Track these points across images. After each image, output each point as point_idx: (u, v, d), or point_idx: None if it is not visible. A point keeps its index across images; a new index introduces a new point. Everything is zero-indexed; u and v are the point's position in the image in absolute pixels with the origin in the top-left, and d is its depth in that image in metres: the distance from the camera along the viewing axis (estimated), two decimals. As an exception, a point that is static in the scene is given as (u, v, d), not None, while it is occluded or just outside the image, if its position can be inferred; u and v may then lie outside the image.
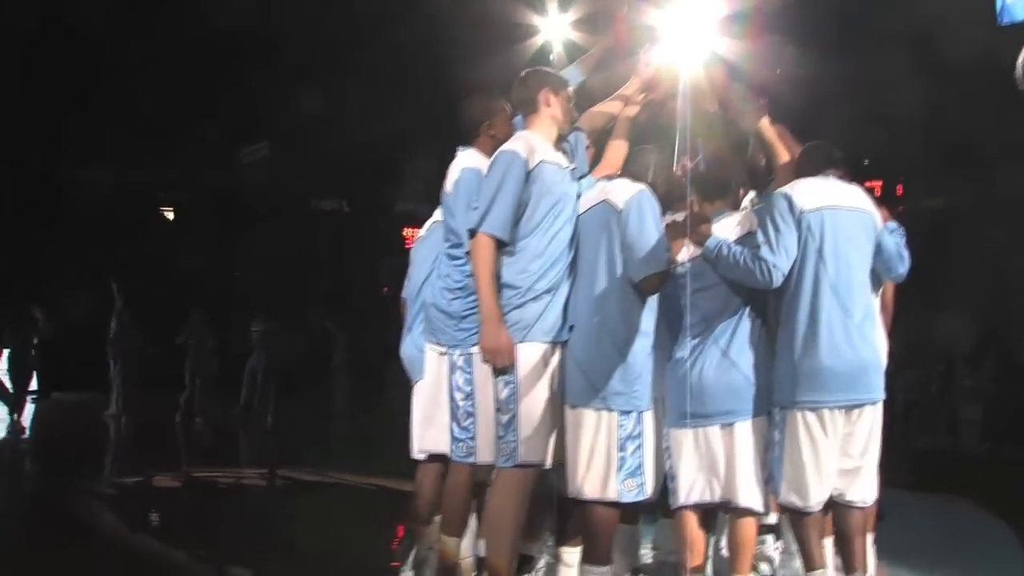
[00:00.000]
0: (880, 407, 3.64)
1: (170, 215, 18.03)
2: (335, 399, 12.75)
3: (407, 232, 18.11)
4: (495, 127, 3.91)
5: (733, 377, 3.61)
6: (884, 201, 4.04)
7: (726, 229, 3.71)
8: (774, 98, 4.10)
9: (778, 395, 3.61)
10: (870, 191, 4.09)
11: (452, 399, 3.77)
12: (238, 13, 11.14)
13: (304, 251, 15.92)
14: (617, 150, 3.99)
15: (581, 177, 3.88)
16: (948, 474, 8.72)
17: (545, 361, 3.56)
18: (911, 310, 4.48)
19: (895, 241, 3.70)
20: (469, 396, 3.73)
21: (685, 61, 4.14)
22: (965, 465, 9.53)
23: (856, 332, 3.58)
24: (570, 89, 3.85)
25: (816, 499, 3.56)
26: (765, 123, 3.99)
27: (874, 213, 3.76)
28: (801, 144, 4.02)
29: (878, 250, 3.69)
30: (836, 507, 3.65)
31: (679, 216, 3.72)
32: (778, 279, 3.56)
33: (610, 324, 3.57)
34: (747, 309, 3.68)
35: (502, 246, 3.56)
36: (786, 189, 3.70)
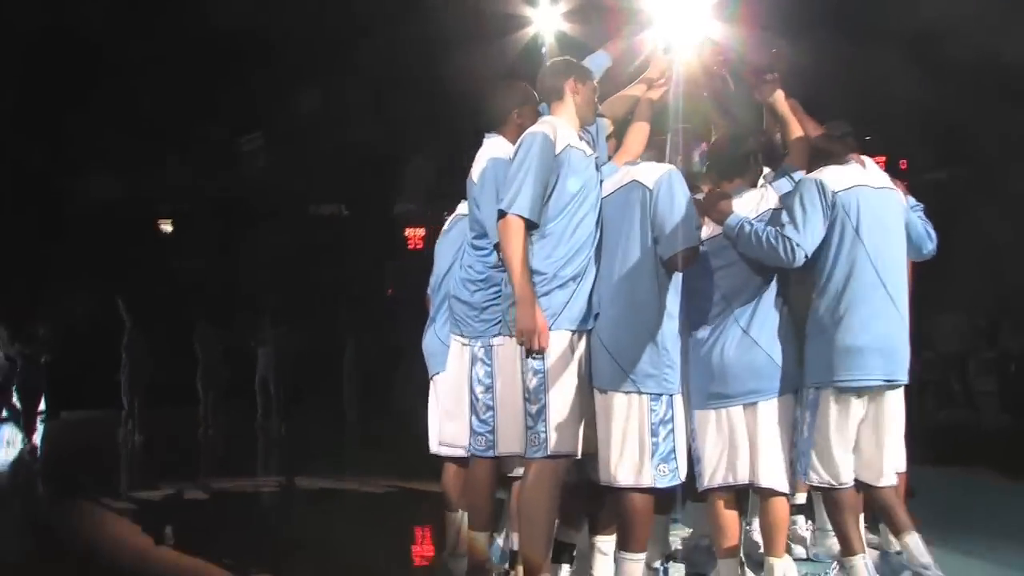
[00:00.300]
0: (902, 391, 3.72)
1: (169, 223, 18.03)
2: (345, 403, 12.78)
3: (409, 232, 18.28)
4: (524, 115, 3.93)
5: (755, 356, 3.67)
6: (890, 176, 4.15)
7: (746, 206, 3.77)
8: (783, 73, 4.17)
9: (812, 375, 3.66)
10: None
11: (472, 392, 3.82)
12: (236, 14, 11.16)
13: (305, 255, 15.97)
14: (637, 135, 4.02)
15: (601, 165, 3.91)
16: (969, 447, 8.82)
17: (573, 349, 3.60)
18: (925, 287, 4.57)
19: (920, 218, 3.80)
20: (489, 389, 3.78)
21: (696, 41, 4.22)
22: (985, 438, 9.60)
23: (894, 310, 3.65)
24: (595, 81, 3.90)
25: (848, 476, 3.63)
26: (780, 96, 4.03)
27: (899, 191, 3.86)
28: (812, 118, 4.11)
29: (907, 228, 3.79)
30: (871, 489, 3.70)
31: (702, 196, 3.79)
32: (800, 259, 3.61)
33: (639, 306, 3.61)
34: (768, 288, 3.73)
35: (530, 229, 3.58)
36: (815, 175, 3.77)
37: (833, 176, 3.75)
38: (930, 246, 3.88)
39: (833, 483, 3.63)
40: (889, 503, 3.70)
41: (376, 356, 13.04)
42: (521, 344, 3.52)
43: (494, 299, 3.79)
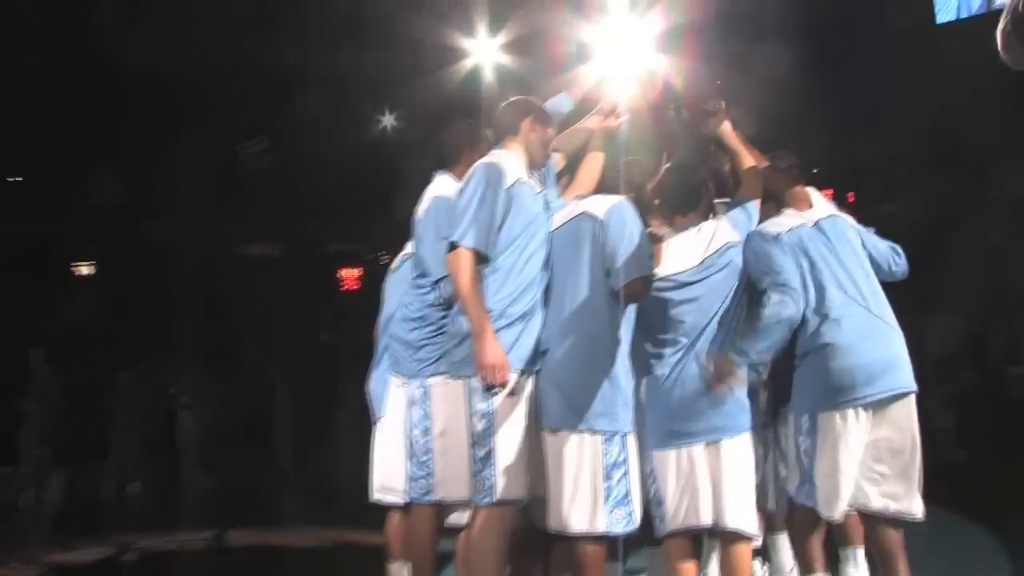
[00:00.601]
0: (913, 401, 3.69)
1: (86, 266, 17.66)
2: (278, 453, 12.53)
3: (344, 273, 18.12)
4: (478, 155, 3.98)
5: (716, 392, 3.67)
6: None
7: (701, 243, 3.83)
8: (730, 105, 4.26)
9: (804, 401, 3.71)
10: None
11: (409, 435, 3.86)
12: (142, 55, 11.05)
13: (231, 300, 15.70)
14: (590, 170, 4.09)
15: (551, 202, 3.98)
16: (925, 483, 8.90)
17: (521, 390, 3.62)
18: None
19: (878, 238, 3.90)
20: (427, 432, 3.82)
21: (638, 74, 4.30)
22: (942, 473, 9.73)
23: (880, 323, 3.74)
24: (551, 131, 3.99)
25: (842, 508, 3.65)
26: (727, 128, 4.13)
27: (845, 216, 3.94)
28: (756, 148, 4.20)
29: (870, 248, 3.94)
30: (876, 522, 3.67)
31: (657, 229, 3.82)
32: (799, 301, 3.69)
33: (591, 341, 3.62)
34: (729, 322, 3.77)
35: (479, 263, 3.61)
36: (756, 229, 3.90)
37: (771, 225, 3.91)
38: (900, 261, 4.00)
39: (825, 513, 3.64)
40: (890, 549, 3.66)
41: (311, 405, 12.83)
42: (483, 380, 3.52)
43: (430, 338, 3.90)
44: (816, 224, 3.93)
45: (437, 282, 3.95)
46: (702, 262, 3.85)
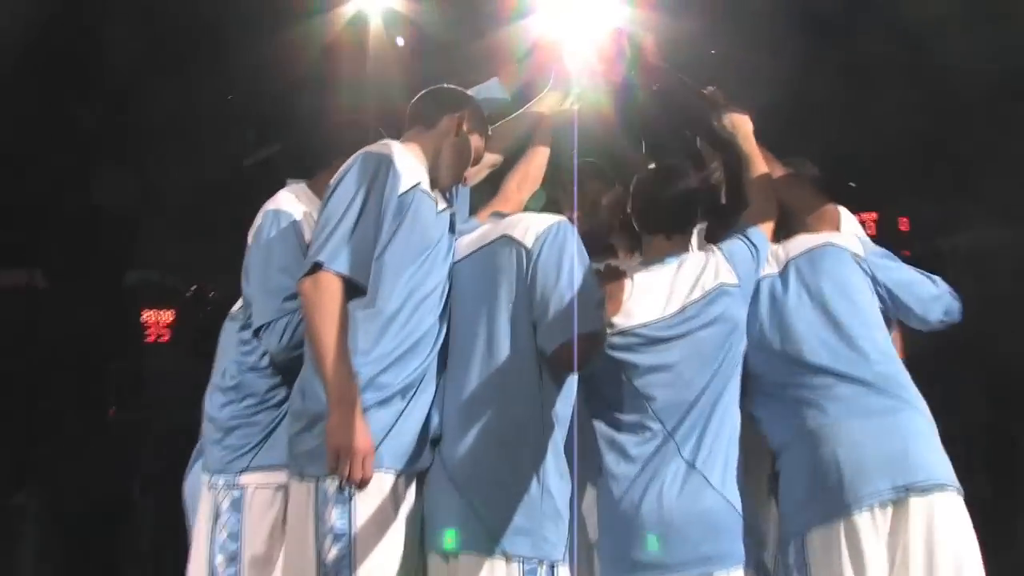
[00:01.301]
0: (954, 500, 3.89)
1: None
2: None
3: (148, 316, 17.79)
4: None
5: (708, 503, 3.73)
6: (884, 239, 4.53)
7: (683, 283, 3.91)
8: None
9: (791, 524, 3.86)
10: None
11: (211, 560, 3.96)
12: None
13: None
14: (524, 175, 4.11)
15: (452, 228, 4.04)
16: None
17: (396, 500, 3.62)
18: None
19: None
20: (235, 559, 3.92)
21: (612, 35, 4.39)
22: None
23: (875, 397, 4.01)
24: (482, 143, 4.13)
25: None
26: (740, 121, 4.39)
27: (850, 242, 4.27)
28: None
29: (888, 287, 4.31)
30: None
31: (620, 262, 3.85)
32: None
33: (510, 426, 3.63)
34: (724, 399, 3.81)
35: (349, 296, 3.59)
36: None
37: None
38: (936, 309, 4.32)
39: None
40: None
41: (90, 509, 12.65)
42: (333, 473, 3.48)
43: (247, 416, 4.03)
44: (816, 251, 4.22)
45: (258, 331, 3.96)
46: (682, 310, 3.89)
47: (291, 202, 4.16)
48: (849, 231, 4.40)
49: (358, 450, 3.45)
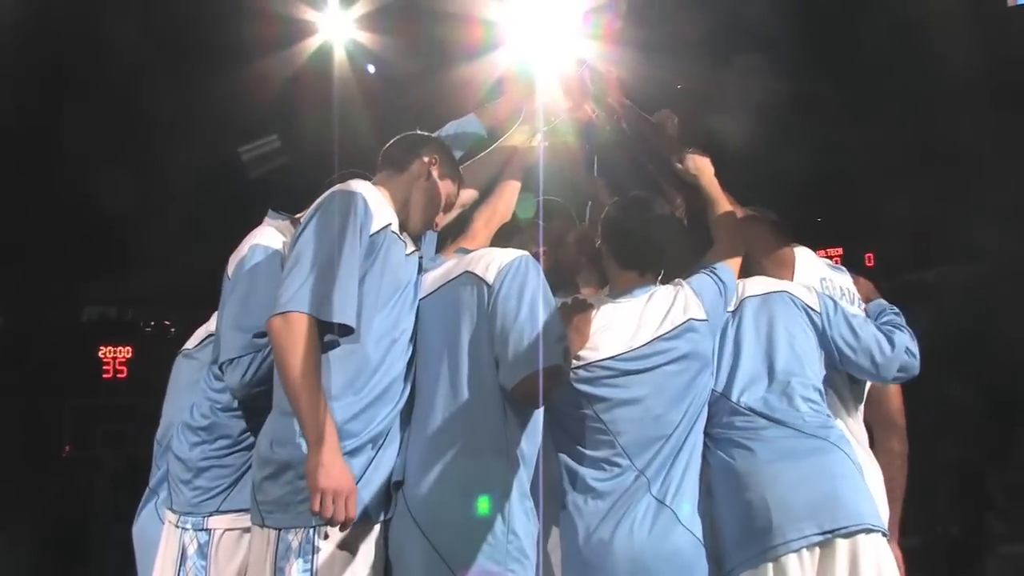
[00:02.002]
0: (878, 541, 3.93)
1: None
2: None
3: (104, 353, 17.57)
4: None
5: (679, 541, 3.70)
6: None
7: (652, 316, 3.88)
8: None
9: (724, 563, 3.85)
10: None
11: None
12: None
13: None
14: (491, 214, 4.17)
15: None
16: None
17: (360, 548, 3.57)
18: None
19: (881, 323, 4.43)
20: None
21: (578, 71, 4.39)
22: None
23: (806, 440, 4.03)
24: (454, 189, 4.08)
25: None
26: (701, 163, 4.38)
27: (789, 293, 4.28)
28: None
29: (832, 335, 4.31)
30: None
31: (582, 295, 3.83)
32: None
33: (472, 466, 3.57)
34: (693, 433, 3.81)
35: (321, 335, 3.53)
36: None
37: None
38: (891, 368, 4.32)
39: None
40: None
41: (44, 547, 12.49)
42: (322, 515, 3.41)
43: (218, 457, 3.92)
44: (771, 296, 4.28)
45: (223, 366, 3.90)
46: (651, 342, 3.86)
47: (275, 237, 4.08)
48: (813, 274, 4.41)
49: (341, 491, 3.40)
